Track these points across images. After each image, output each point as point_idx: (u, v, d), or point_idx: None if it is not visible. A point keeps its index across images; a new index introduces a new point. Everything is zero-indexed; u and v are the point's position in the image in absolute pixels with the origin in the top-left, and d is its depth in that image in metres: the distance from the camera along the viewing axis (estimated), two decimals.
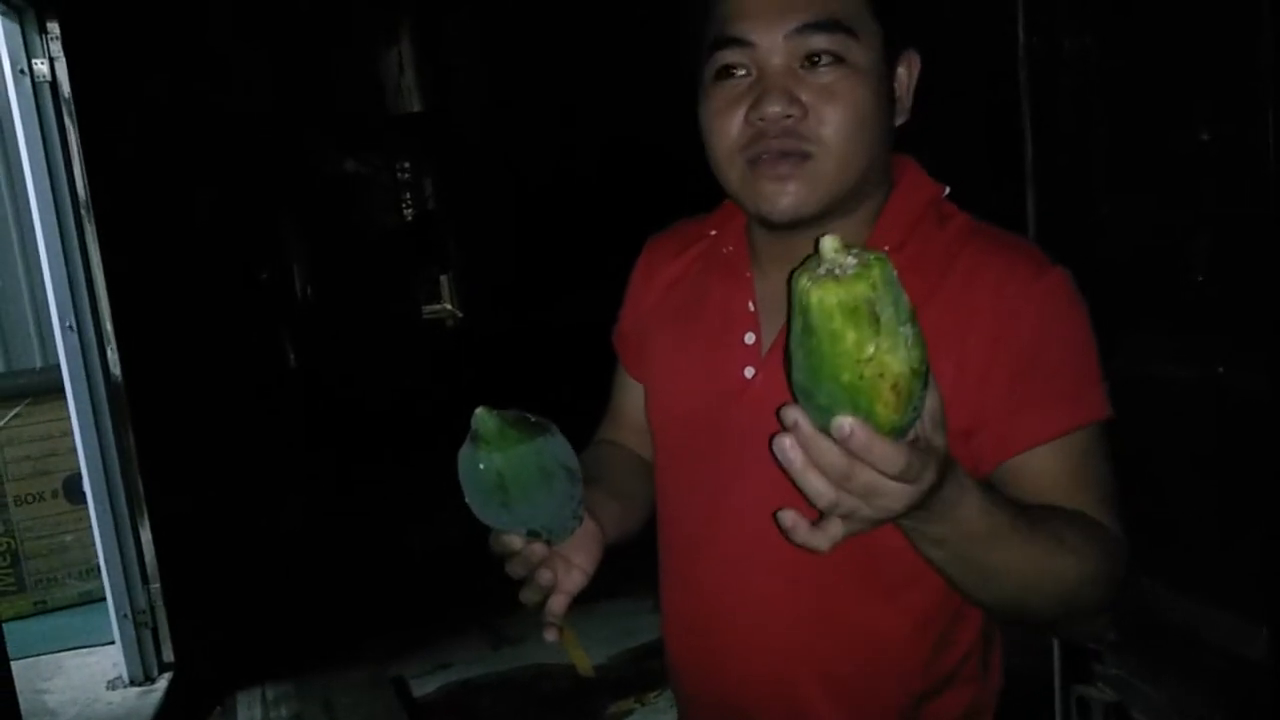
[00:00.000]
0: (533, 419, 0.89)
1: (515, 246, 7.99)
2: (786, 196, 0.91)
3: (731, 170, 0.94)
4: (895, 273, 0.64)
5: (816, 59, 0.89)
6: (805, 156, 0.90)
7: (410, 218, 10.68)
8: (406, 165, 10.82)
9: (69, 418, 2.88)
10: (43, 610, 3.33)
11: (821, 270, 0.63)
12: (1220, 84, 1.84)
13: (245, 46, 5.15)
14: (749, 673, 1.00)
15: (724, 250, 1.05)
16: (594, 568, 0.96)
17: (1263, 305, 1.76)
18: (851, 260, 0.63)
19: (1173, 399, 1.92)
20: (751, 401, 0.97)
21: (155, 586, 2.96)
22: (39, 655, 3.07)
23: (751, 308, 1.00)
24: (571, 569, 0.94)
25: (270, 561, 3.77)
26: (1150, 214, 2.02)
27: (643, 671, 3.03)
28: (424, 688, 3.18)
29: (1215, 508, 1.95)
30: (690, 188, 1.32)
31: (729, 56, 0.91)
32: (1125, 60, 2.04)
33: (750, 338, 0.99)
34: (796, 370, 0.66)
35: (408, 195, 11.08)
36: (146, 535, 2.95)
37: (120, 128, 3.12)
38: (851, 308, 0.61)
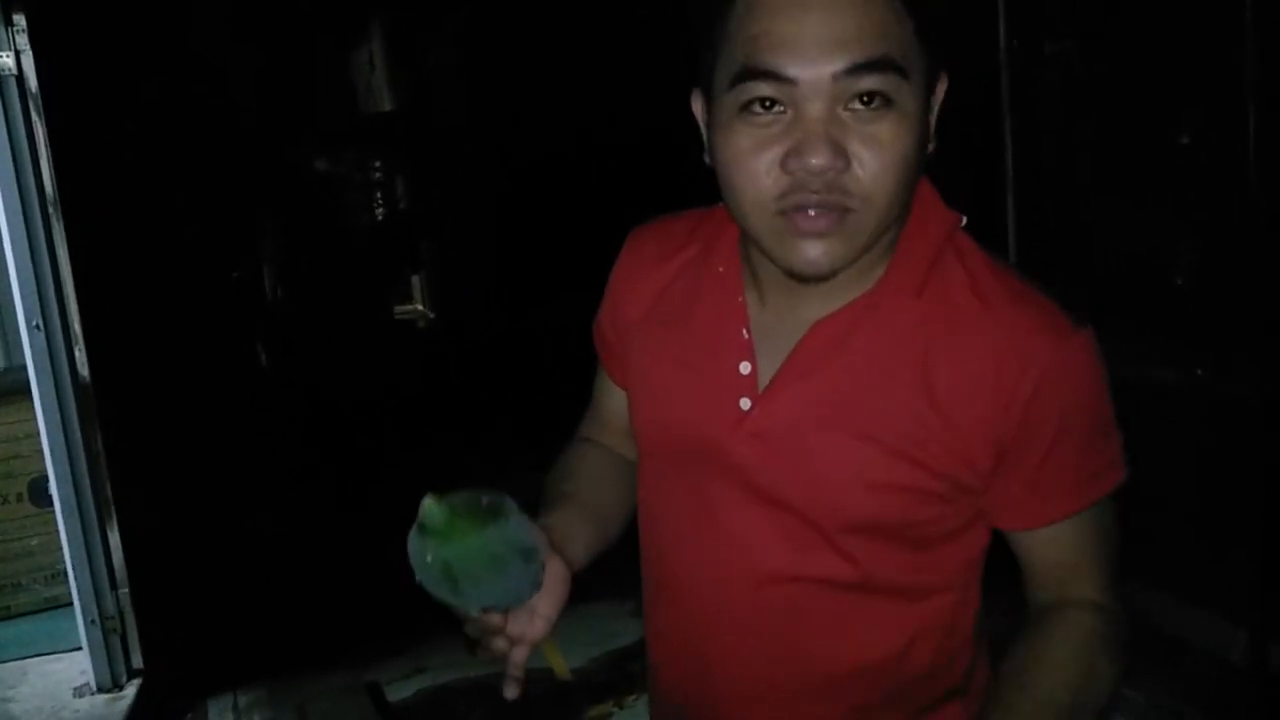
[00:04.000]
0: (485, 500, 0.85)
1: (489, 247, 7.95)
2: (823, 256, 0.83)
3: (759, 219, 0.85)
4: None
5: (866, 100, 0.79)
6: (845, 210, 0.82)
7: (382, 217, 10.60)
8: (378, 165, 10.73)
9: (34, 419, 2.81)
10: (5, 616, 3.25)
11: None
12: (1203, 89, 1.86)
13: (219, 44, 5.08)
14: (731, 692, 0.99)
15: (716, 270, 0.99)
16: (559, 610, 0.92)
17: (1245, 310, 1.78)
18: None
19: (1153, 402, 1.93)
20: (747, 436, 0.92)
21: (124, 591, 2.90)
22: (2, 662, 3.00)
23: (745, 335, 0.95)
24: (535, 618, 0.90)
25: (242, 566, 3.71)
26: (1131, 219, 2.04)
27: (621, 675, 3.01)
28: (399, 693, 3.14)
29: (1196, 510, 1.96)
30: (673, 189, 1.29)
31: (761, 90, 0.80)
32: (1108, 64, 2.05)
33: (746, 367, 0.94)
34: None
35: (379, 195, 10.99)
36: (115, 539, 2.89)
37: (89, 123, 3.06)
38: None
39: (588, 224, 5.02)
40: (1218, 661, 1.91)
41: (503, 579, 0.86)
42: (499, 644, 0.89)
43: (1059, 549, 0.92)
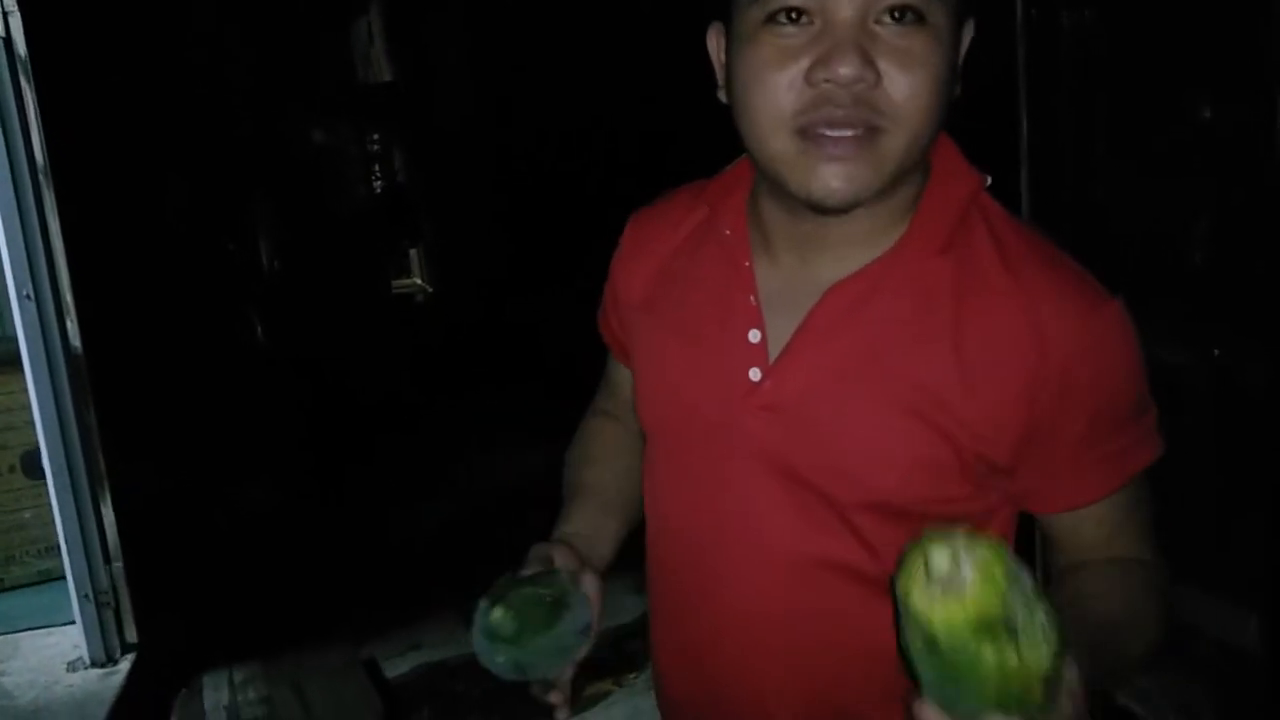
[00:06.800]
0: (549, 597, 0.89)
1: (488, 221, 7.89)
2: (846, 182, 0.77)
3: (776, 140, 0.79)
4: (1011, 558, 0.59)
5: (897, 15, 0.75)
6: (874, 131, 0.76)
7: (380, 190, 10.53)
8: (376, 137, 10.65)
9: (26, 391, 2.77)
10: None
11: (936, 585, 0.58)
12: (1225, 63, 1.81)
13: (214, 12, 5.00)
14: (737, 689, 0.95)
15: (722, 233, 0.94)
16: (598, 622, 0.95)
17: (1265, 290, 1.73)
18: (968, 569, 0.57)
19: (1168, 383, 1.90)
20: (758, 407, 0.88)
21: (117, 565, 2.87)
22: None
23: (753, 301, 0.90)
24: None
25: (237, 541, 3.68)
26: (1149, 195, 1.99)
27: (621, 653, 2.99)
28: (396, 669, 3.13)
29: (1209, 494, 1.93)
30: (679, 167, 1.24)
31: None
32: (1126, 35, 2.00)
33: (755, 335, 0.89)
34: (924, 680, 0.62)
35: (377, 167, 10.92)
36: (108, 513, 2.85)
37: (81, 90, 2.99)
38: (985, 626, 0.57)
39: (590, 198, 4.98)
40: (1229, 648, 1.89)
41: (568, 657, 0.92)
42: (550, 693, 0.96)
43: (1098, 525, 0.87)
